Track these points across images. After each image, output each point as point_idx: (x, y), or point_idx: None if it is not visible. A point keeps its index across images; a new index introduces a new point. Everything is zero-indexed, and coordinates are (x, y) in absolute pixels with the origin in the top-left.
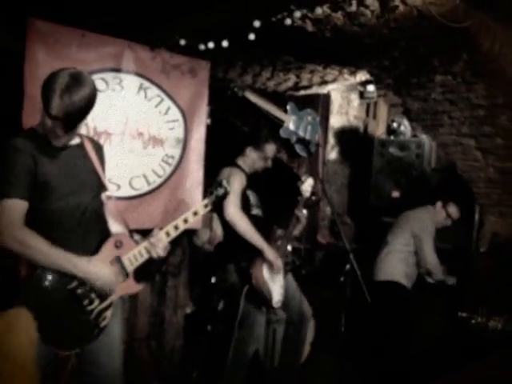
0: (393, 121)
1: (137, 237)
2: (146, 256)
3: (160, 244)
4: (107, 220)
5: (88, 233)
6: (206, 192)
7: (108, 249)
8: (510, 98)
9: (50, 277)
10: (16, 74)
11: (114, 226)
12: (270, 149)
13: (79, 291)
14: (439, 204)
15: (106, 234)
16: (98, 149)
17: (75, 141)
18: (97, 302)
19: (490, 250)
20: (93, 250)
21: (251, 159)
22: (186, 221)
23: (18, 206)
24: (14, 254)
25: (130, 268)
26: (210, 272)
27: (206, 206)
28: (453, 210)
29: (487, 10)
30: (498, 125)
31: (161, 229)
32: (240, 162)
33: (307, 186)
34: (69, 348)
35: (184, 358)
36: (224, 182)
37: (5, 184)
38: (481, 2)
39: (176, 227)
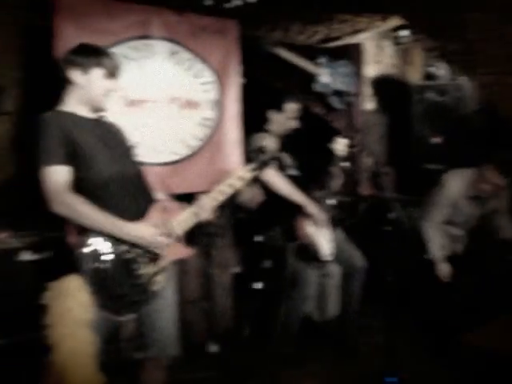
0: (429, 65)
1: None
2: (193, 220)
3: (207, 208)
4: (149, 186)
5: (133, 199)
6: (251, 158)
7: (155, 213)
8: None
9: (100, 242)
10: (44, 50)
11: (156, 193)
12: (291, 108)
13: (129, 256)
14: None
15: (151, 199)
16: (112, 124)
17: (96, 115)
18: (148, 266)
19: None
20: (140, 215)
21: (275, 122)
22: (231, 185)
23: (61, 172)
24: (64, 223)
25: (179, 232)
26: (255, 231)
27: (251, 170)
28: (491, 174)
29: None
30: None
31: (206, 194)
32: (267, 126)
33: (340, 145)
34: (124, 313)
35: (235, 317)
36: (266, 148)
37: (43, 153)
38: None
39: (221, 192)
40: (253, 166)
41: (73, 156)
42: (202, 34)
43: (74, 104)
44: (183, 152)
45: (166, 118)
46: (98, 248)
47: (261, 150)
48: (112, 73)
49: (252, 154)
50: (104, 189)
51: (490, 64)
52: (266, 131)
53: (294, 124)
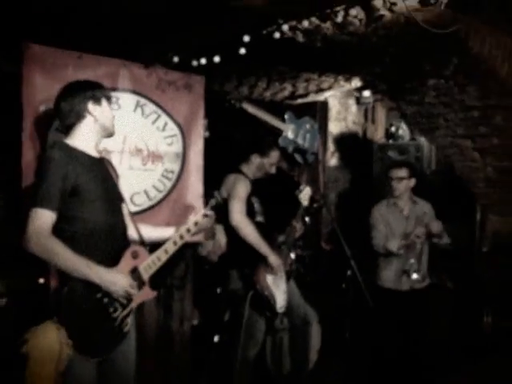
0: (391, 125)
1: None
2: (158, 264)
3: (170, 252)
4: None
5: (113, 244)
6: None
7: (126, 260)
8: (503, 98)
9: (79, 288)
10: (13, 95)
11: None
12: (275, 155)
13: (105, 300)
14: None
15: (126, 245)
16: (110, 164)
17: (99, 155)
18: (120, 309)
19: (492, 250)
20: (114, 260)
21: (256, 166)
22: (188, 230)
23: (48, 217)
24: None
25: (146, 276)
26: (215, 283)
27: (203, 215)
28: None
29: (473, 13)
30: (494, 125)
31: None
32: (244, 168)
33: (305, 194)
34: (99, 355)
35: (192, 370)
36: (216, 193)
37: (38, 194)
38: (466, 6)
39: (181, 236)
40: (204, 211)
41: (65, 197)
42: (168, 88)
43: (82, 139)
44: (144, 204)
45: (130, 170)
46: (78, 293)
47: (211, 196)
48: (111, 101)
49: (205, 199)
50: (89, 232)
51: (447, 127)
52: (241, 173)
53: (271, 170)
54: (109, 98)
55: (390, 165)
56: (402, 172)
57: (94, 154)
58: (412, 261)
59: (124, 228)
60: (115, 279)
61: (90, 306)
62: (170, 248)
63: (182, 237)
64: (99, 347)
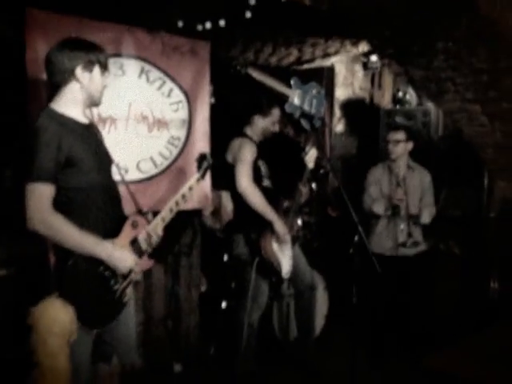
0: (398, 90)
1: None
2: (157, 233)
3: (167, 220)
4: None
5: (110, 214)
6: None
7: (127, 230)
8: None
9: (83, 262)
10: (17, 62)
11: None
12: (276, 113)
13: (107, 273)
14: None
15: (123, 215)
16: (97, 128)
17: (87, 120)
18: (121, 281)
19: (500, 215)
20: (114, 231)
21: (259, 127)
22: (183, 196)
23: (47, 190)
24: (41, 241)
25: (145, 246)
26: (222, 249)
27: (198, 180)
28: None
29: None
30: (503, 89)
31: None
32: (248, 131)
33: (310, 156)
34: (100, 325)
35: (201, 336)
36: (207, 155)
37: (32, 167)
38: None
39: (176, 203)
40: (198, 175)
41: (59, 167)
42: (173, 53)
43: (69, 104)
44: (151, 170)
45: (135, 137)
46: (81, 267)
47: (203, 158)
48: (106, 68)
49: (196, 162)
50: (88, 203)
51: (455, 91)
52: (246, 136)
53: (275, 128)
54: (102, 64)
55: (387, 128)
56: (399, 135)
57: (82, 120)
58: (402, 226)
59: (119, 195)
60: (123, 256)
61: (92, 280)
62: (167, 215)
63: (177, 203)
64: (100, 318)
